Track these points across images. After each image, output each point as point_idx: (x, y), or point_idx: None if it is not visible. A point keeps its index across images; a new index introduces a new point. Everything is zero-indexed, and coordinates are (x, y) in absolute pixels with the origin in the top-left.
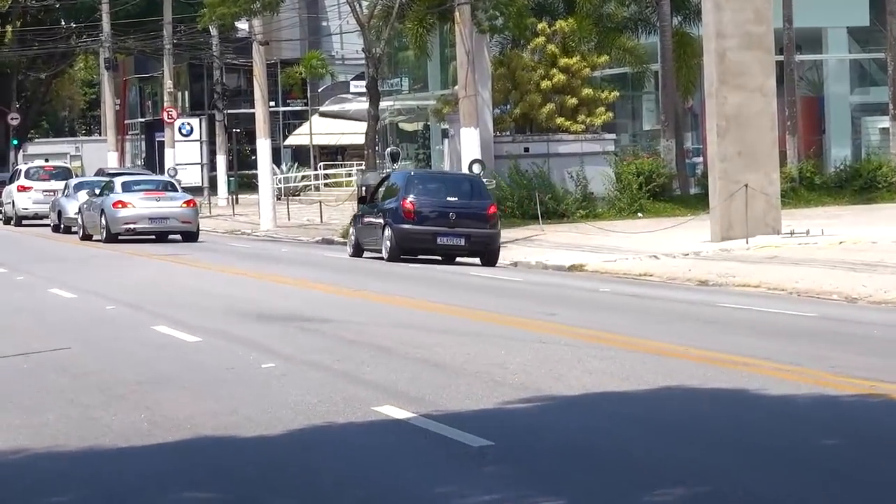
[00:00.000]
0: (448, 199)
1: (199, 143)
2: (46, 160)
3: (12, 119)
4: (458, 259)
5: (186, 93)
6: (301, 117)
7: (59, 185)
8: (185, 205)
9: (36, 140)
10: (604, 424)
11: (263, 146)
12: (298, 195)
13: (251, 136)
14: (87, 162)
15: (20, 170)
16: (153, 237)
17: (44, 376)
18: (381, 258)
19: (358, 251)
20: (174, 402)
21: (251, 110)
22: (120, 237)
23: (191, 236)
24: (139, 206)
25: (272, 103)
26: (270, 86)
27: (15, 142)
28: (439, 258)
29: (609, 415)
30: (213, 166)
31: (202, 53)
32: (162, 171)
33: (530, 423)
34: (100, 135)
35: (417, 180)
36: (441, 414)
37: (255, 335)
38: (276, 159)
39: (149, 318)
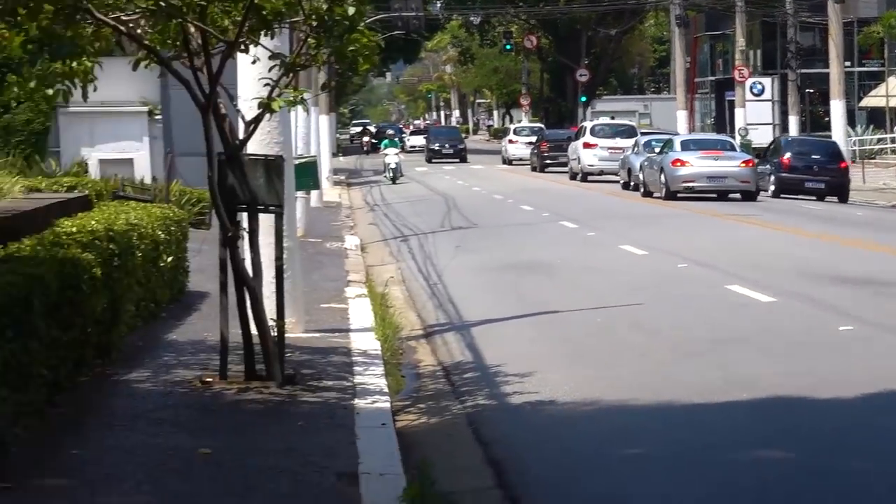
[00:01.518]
0: (813, 156)
1: (770, 103)
2: (612, 117)
3: (580, 76)
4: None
5: (758, 51)
6: (877, 78)
7: (624, 142)
8: (743, 164)
9: (604, 97)
10: None
11: (837, 107)
12: (874, 158)
13: (824, 97)
14: (655, 120)
15: (585, 127)
16: (712, 196)
17: (616, 331)
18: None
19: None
20: (749, 361)
21: (825, 70)
22: (678, 195)
23: (749, 196)
24: (697, 165)
25: (847, 63)
26: (846, 45)
27: (583, 98)
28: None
29: None
30: (784, 127)
31: (775, 11)
32: (731, 132)
33: None
34: (668, 93)
35: (795, 144)
36: None
37: (829, 297)
38: (851, 121)
39: (721, 278)
